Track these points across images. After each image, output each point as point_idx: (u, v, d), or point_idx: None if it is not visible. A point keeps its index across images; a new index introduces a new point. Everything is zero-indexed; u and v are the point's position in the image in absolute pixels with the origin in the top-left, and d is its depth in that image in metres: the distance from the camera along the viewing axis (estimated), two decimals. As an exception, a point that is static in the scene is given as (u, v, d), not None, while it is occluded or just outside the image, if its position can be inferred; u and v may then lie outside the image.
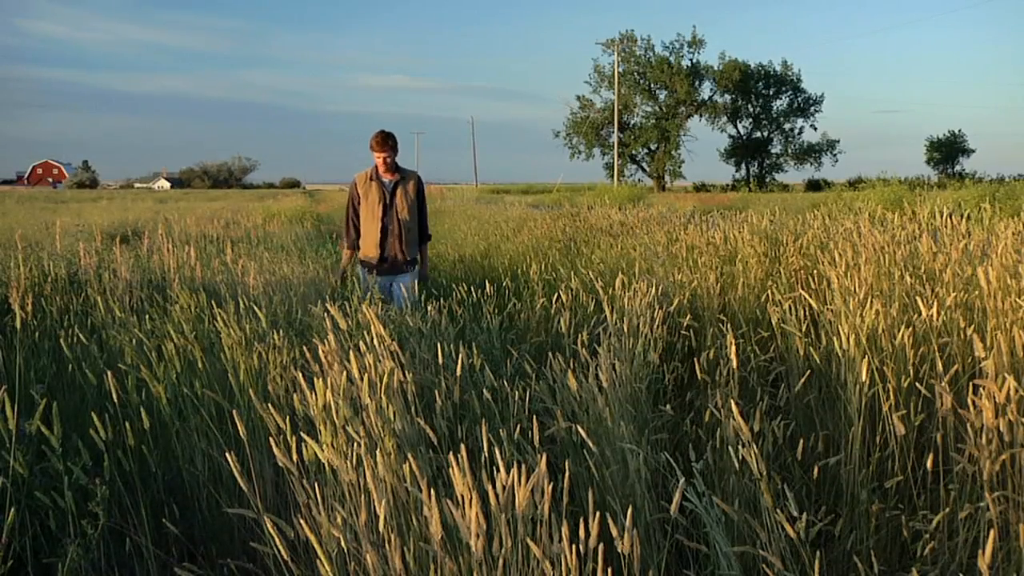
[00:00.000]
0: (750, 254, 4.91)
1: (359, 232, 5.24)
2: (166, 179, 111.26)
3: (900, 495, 2.34)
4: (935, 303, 2.75)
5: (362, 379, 1.98)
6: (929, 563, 2.00)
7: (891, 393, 2.34)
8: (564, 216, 10.25)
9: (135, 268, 5.34)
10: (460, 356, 2.67)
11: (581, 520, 1.53)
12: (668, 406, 2.71)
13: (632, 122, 57.47)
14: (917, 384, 2.43)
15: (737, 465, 2.05)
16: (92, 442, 2.25)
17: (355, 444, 1.79)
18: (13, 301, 3.55)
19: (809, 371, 2.83)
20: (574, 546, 1.48)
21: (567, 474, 1.71)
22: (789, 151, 58.40)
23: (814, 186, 50.45)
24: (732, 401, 2.02)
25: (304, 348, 2.84)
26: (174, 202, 28.43)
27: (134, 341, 3.29)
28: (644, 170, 57.97)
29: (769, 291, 4.03)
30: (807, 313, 3.41)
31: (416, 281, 5.25)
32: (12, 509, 2.11)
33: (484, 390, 2.55)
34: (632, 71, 56.76)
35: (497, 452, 1.68)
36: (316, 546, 1.58)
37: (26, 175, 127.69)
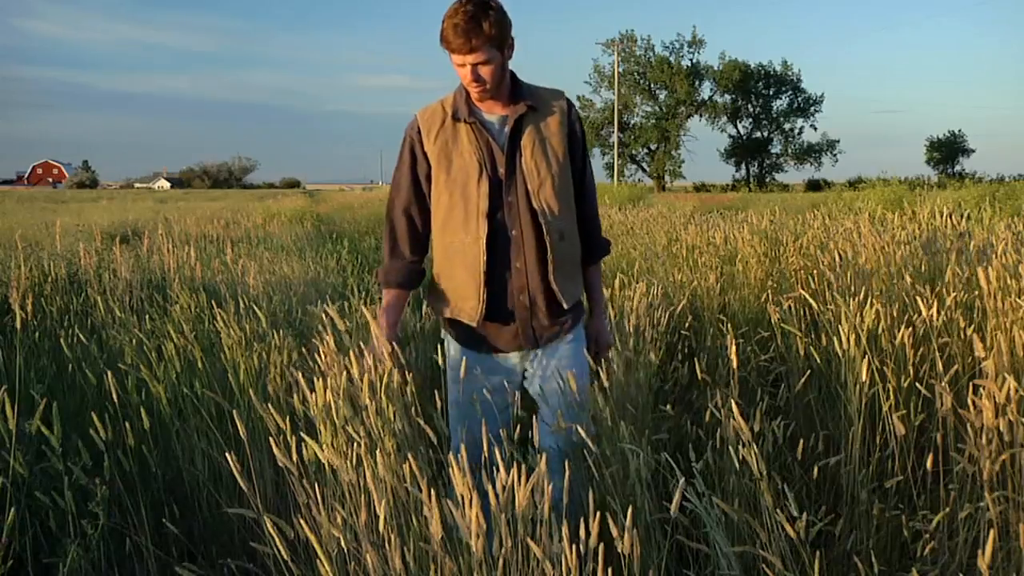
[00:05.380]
0: (750, 254, 4.91)
1: (420, 246, 2.30)
2: (166, 179, 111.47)
3: (900, 495, 2.35)
4: (935, 303, 2.75)
5: (362, 379, 1.98)
6: (929, 563, 2.00)
7: (891, 393, 2.34)
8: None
9: (135, 268, 5.34)
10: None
11: (581, 520, 1.53)
12: (668, 406, 2.71)
13: (632, 122, 57.48)
14: (917, 384, 2.43)
15: (737, 465, 2.05)
16: (92, 442, 2.25)
17: (355, 444, 1.79)
18: (13, 301, 3.55)
19: (809, 371, 2.83)
20: (574, 546, 1.48)
21: (567, 474, 1.71)
22: (789, 151, 58.46)
23: (814, 186, 50.50)
24: (732, 401, 2.02)
25: (304, 348, 2.84)
26: (174, 202, 28.44)
27: (134, 341, 3.29)
28: (644, 170, 58.00)
29: (769, 291, 4.03)
30: (807, 313, 3.41)
31: (584, 355, 2.29)
32: (12, 509, 2.11)
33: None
34: (632, 71, 56.79)
35: (497, 452, 1.68)
36: (316, 546, 1.58)
37: (26, 175, 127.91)
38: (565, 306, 2.22)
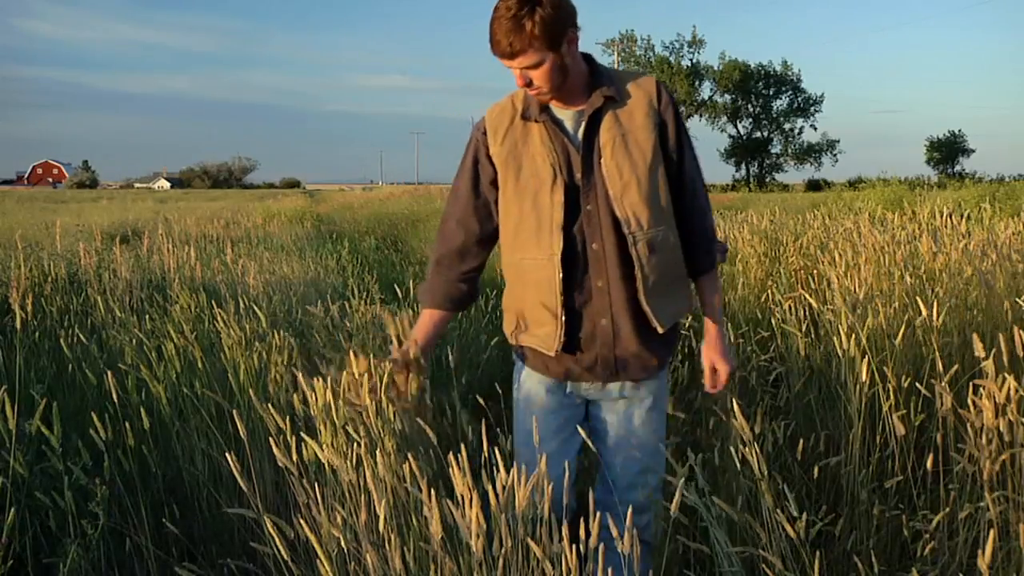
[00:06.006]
0: (750, 254, 4.91)
1: (472, 263, 2.03)
2: (166, 179, 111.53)
3: (900, 495, 2.35)
4: (935, 303, 2.75)
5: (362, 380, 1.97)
6: (929, 563, 2.00)
7: (891, 393, 2.34)
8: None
9: (135, 268, 5.33)
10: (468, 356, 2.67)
11: (581, 520, 1.53)
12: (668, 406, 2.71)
13: (632, 122, 57.35)
14: (917, 384, 2.43)
15: (738, 465, 2.05)
16: (92, 442, 2.25)
17: (355, 444, 1.79)
18: (13, 301, 3.55)
19: (809, 371, 2.83)
20: (574, 546, 1.48)
21: (567, 474, 1.71)
22: (789, 151, 58.38)
23: (814, 186, 50.43)
24: (733, 401, 2.01)
25: (304, 348, 2.84)
26: (174, 202, 28.41)
27: (134, 341, 3.28)
28: (644, 170, 57.86)
29: (769, 291, 4.03)
30: (807, 313, 3.41)
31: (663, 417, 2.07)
32: (12, 509, 2.11)
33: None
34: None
35: (497, 452, 1.68)
36: (316, 546, 1.58)
37: (26, 175, 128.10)
38: (660, 330, 1.90)
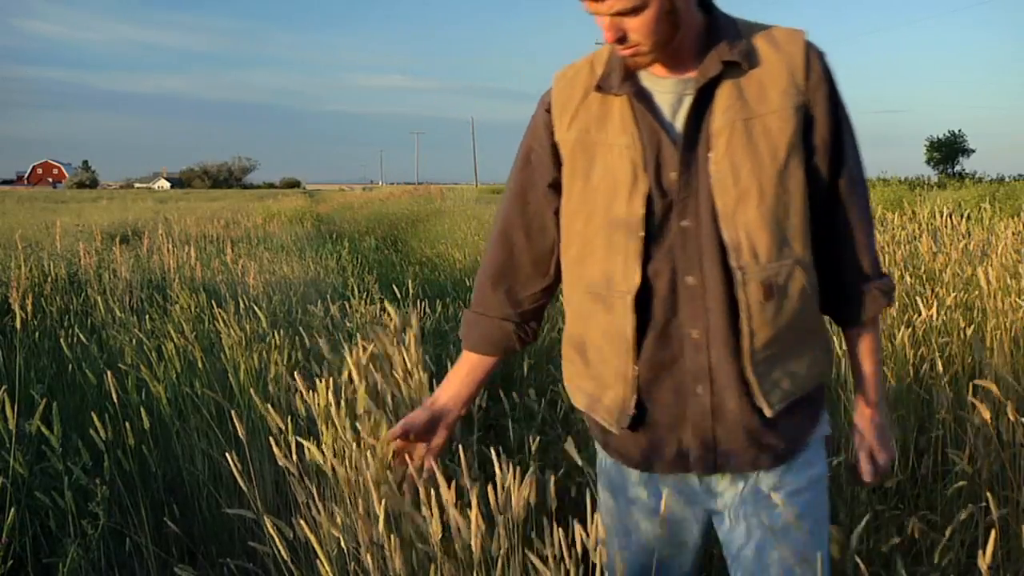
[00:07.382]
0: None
1: (526, 294, 1.41)
2: (166, 179, 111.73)
3: (900, 495, 2.35)
4: (935, 303, 2.75)
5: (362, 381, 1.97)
6: (927, 564, 2.00)
7: (891, 393, 2.34)
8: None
9: (135, 268, 5.34)
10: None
11: (578, 522, 1.53)
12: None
13: (632, 122, 57.39)
14: (915, 385, 2.43)
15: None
16: (92, 442, 2.25)
17: (355, 445, 1.79)
18: (13, 301, 3.55)
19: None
20: (573, 547, 1.47)
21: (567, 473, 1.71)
22: (789, 151, 58.37)
23: (814, 186, 50.38)
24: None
25: (305, 348, 2.84)
26: (174, 202, 28.41)
27: (134, 341, 3.29)
28: (644, 170, 57.91)
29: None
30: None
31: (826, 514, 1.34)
32: (12, 509, 2.11)
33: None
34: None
35: (495, 454, 1.67)
36: (316, 546, 1.58)
37: (26, 175, 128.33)
38: (768, 412, 1.26)
